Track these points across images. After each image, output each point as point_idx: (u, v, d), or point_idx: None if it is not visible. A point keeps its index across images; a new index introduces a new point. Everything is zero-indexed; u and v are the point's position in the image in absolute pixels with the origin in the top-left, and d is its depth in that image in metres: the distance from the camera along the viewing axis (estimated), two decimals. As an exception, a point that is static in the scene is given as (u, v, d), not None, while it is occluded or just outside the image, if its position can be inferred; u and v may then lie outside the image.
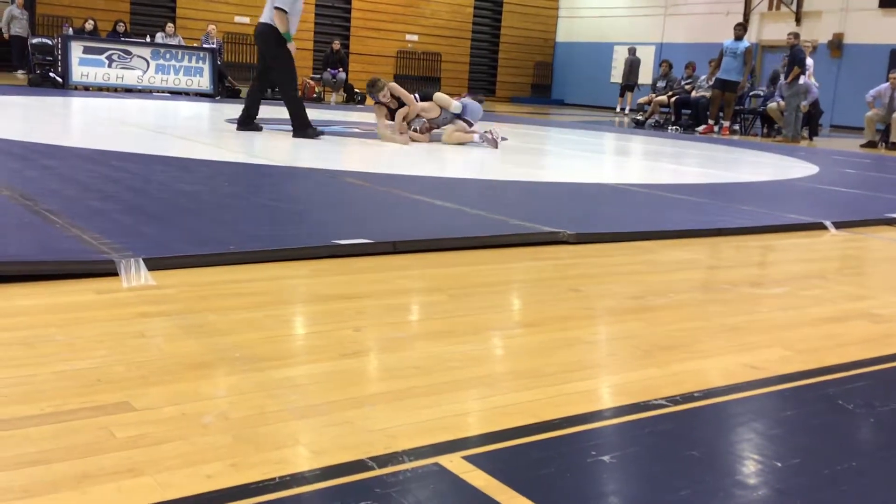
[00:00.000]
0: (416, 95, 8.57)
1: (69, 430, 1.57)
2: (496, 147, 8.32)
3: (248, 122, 8.32)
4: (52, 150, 5.79)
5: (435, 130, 8.58)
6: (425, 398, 1.84)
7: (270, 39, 8.04)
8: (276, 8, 7.90)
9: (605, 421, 1.79)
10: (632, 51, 20.74)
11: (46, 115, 9.31)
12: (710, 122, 14.45)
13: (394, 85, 8.40)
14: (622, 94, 20.77)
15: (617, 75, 21.99)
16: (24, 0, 17.59)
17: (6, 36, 17.38)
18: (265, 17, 8.07)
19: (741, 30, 14.17)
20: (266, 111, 9.26)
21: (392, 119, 8.34)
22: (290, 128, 8.12)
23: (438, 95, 8.60)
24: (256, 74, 8.68)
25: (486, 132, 8.48)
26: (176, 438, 1.56)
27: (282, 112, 8.49)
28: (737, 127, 15.36)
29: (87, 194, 4.06)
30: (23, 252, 2.79)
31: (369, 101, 8.35)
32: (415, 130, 8.47)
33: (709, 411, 1.90)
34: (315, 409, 1.74)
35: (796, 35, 13.78)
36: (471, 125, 8.53)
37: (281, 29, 7.91)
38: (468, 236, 3.62)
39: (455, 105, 8.42)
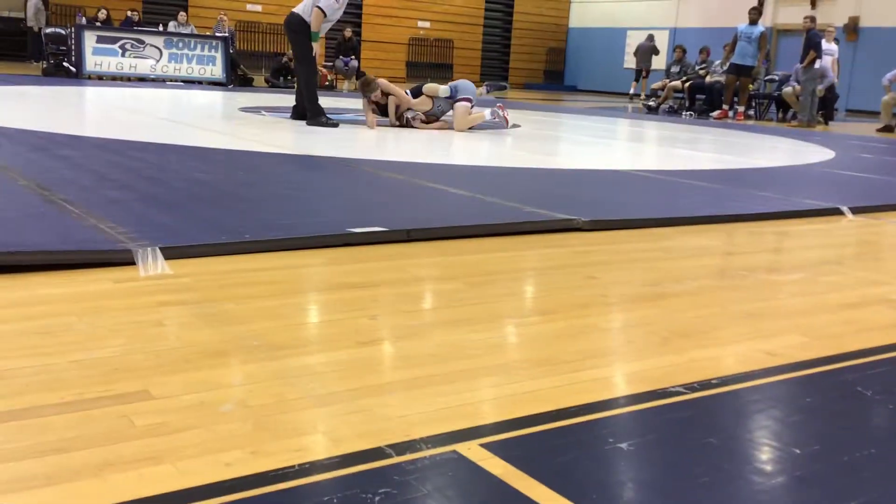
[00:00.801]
0: (407, 91, 8.60)
1: (89, 419, 1.58)
2: (508, 124, 8.29)
3: (303, 113, 8.36)
4: (67, 139, 5.81)
5: (447, 118, 8.56)
6: (443, 386, 1.85)
7: (299, 32, 8.09)
8: (317, 7, 7.91)
9: (622, 408, 1.79)
10: (649, 37, 20.56)
11: (61, 105, 9.34)
12: (725, 107, 14.35)
13: (383, 81, 8.42)
14: (636, 79, 20.64)
15: (630, 61, 21.82)
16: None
17: (35, 29, 17.46)
18: (299, 9, 8.09)
19: (756, 14, 14.04)
20: (278, 100, 9.24)
21: (380, 113, 8.37)
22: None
23: (426, 86, 8.59)
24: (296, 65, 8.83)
25: (496, 107, 8.45)
26: (195, 426, 1.57)
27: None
28: (752, 112, 15.25)
29: (103, 184, 4.07)
30: (41, 241, 2.81)
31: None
32: (410, 119, 8.44)
33: (726, 398, 1.89)
34: (333, 397, 1.75)
35: (812, 19, 13.65)
36: (472, 102, 8.48)
37: (313, 28, 7.98)
38: (482, 224, 3.61)
39: (442, 90, 8.40)
